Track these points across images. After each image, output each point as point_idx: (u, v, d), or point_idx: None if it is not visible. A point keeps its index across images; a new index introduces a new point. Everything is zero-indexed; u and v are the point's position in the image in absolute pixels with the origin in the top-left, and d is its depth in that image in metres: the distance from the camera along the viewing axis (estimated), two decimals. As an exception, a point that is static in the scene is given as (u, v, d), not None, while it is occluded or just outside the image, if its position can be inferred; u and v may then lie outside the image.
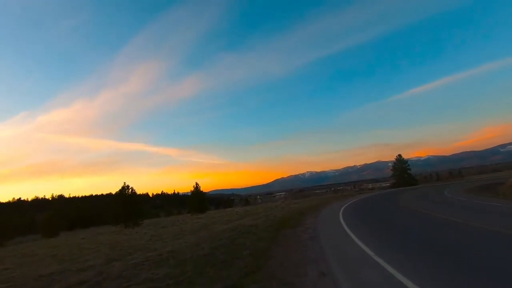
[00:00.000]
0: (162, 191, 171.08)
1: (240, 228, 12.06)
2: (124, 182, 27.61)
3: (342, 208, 17.35)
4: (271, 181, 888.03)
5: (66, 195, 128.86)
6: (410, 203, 17.23)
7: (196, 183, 35.00)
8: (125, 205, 26.18)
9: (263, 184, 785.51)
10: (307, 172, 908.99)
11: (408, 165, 74.65)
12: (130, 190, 27.67)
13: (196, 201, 33.77)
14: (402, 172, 72.70)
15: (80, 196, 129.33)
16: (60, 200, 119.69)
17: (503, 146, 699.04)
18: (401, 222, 9.81)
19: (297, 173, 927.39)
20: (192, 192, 35.12)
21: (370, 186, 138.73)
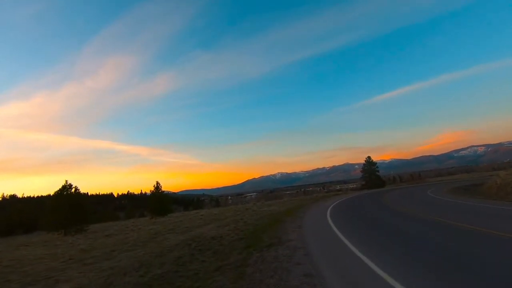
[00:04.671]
0: (128, 191, 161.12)
1: (198, 242, 8.99)
2: (66, 181, 22.93)
3: (328, 214, 14.12)
4: (242, 181, 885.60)
5: (20, 195, 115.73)
6: (404, 207, 15.02)
7: (157, 183, 30.82)
8: (65, 208, 21.61)
9: (234, 185, 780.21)
10: (278, 173, 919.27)
11: (377, 167, 75.81)
12: (73, 189, 23.06)
13: (156, 202, 29.67)
14: (371, 174, 73.56)
15: (36, 196, 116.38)
16: (11, 200, 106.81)
17: (457, 151, 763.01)
18: (418, 234, 7.30)
19: (268, 174, 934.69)
20: (152, 192, 30.92)
21: (338, 187, 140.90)
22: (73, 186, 23.24)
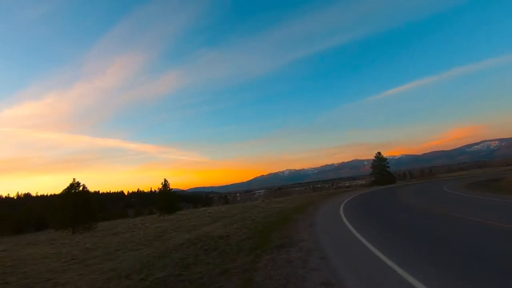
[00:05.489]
0: (138, 189, 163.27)
1: (204, 241, 8.56)
2: (74, 179, 23.03)
3: (341, 212, 13.14)
4: (251, 178, 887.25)
5: (34, 194, 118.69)
6: (423, 203, 14.13)
7: (165, 180, 30.82)
8: (73, 206, 21.65)
9: (243, 182, 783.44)
10: (287, 170, 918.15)
11: (387, 163, 74.36)
12: (81, 188, 23.11)
13: (164, 200, 29.60)
14: (381, 170, 72.16)
15: (47, 194, 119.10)
16: (24, 199, 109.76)
17: (469, 146, 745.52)
18: (446, 235, 6.63)
19: (276, 171, 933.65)
20: (160, 190, 30.89)
21: (347, 183, 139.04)
22: (81, 184, 23.34)
